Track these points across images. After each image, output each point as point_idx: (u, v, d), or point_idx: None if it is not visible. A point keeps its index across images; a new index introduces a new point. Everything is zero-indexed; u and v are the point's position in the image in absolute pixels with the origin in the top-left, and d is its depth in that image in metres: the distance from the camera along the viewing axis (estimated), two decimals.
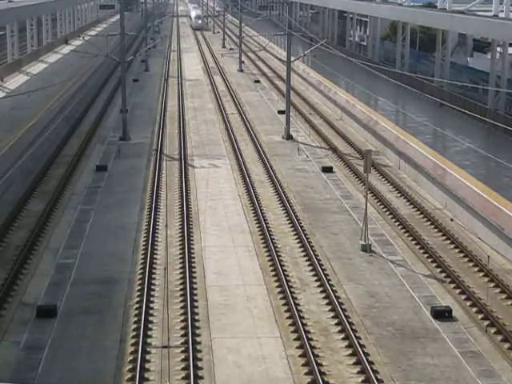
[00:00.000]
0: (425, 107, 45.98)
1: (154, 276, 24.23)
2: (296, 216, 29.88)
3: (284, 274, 24.19)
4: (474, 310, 22.30)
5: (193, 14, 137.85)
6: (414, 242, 27.63)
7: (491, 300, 22.85)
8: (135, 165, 38.24)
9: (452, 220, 30.08)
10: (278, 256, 25.78)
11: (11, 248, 26.65)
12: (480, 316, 21.90)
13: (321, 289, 23.45)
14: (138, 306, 22.11)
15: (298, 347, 19.98)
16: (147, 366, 19.05)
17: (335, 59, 60.40)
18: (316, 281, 24.08)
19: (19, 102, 42.69)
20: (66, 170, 36.67)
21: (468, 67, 56.00)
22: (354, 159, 39.04)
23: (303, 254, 26.29)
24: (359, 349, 19.56)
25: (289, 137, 44.06)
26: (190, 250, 26.38)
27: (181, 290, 23.21)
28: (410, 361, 19.50)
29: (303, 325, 20.92)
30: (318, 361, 19.18)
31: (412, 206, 31.81)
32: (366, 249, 26.70)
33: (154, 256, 25.93)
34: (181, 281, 23.83)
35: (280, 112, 50.58)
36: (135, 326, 20.94)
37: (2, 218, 29.01)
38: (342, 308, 21.95)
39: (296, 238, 27.72)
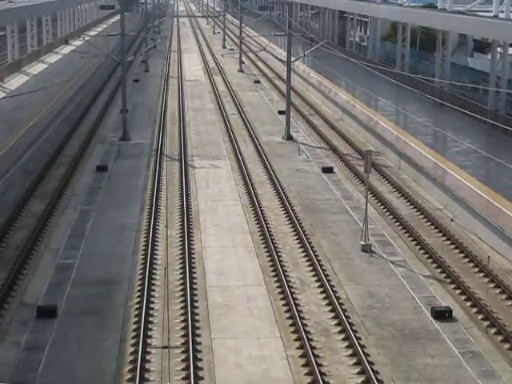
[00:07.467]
0: (425, 108, 45.95)
1: (154, 276, 24.23)
2: (296, 216, 29.85)
3: (284, 275, 24.16)
4: (475, 310, 22.30)
5: None
6: (414, 243, 27.65)
7: (491, 300, 22.85)
8: (135, 165, 38.22)
9: (452, 220, 30.08)
10: (279, 256, 25.75)
11: (11, 248, 26.64)
12: (480, 316, 21.89)
13: (321, 289, 23.43)
14: (138, 306, 22.09)
15: (298, 347, 19.97)
16: (147, 366, 19.04)
17: (335, 59, 60.37)
18: (316, 281, 24.06)
19: (19, 103, 42.64)
20: (67, 170, 36.65)
21: (468, 68, 55.98)
22: (355, 159, 39.03)
23: (303, 254, 26.27)
24: (359, 349, 19.54)
25: (289, 137, 44.03)
26: (191, 251, 26.36)
27: (181, 290, 23.20)
28: (411, 361, 19.48)
29: (303, 325, 20.90)
30: (319, 361, 19.16)
31: (412, 207, 31.80)
32: (367, 249, 26.68)
33: (155, 256, 25.92)
34: (181, 281, 23.82)
35: (280, 112, 50.53)
36: (135, 326, 20.93)
37: (3, 218, 29.01)
38: (342, 308, 21.93)
39: (296, 239, 27.70)
